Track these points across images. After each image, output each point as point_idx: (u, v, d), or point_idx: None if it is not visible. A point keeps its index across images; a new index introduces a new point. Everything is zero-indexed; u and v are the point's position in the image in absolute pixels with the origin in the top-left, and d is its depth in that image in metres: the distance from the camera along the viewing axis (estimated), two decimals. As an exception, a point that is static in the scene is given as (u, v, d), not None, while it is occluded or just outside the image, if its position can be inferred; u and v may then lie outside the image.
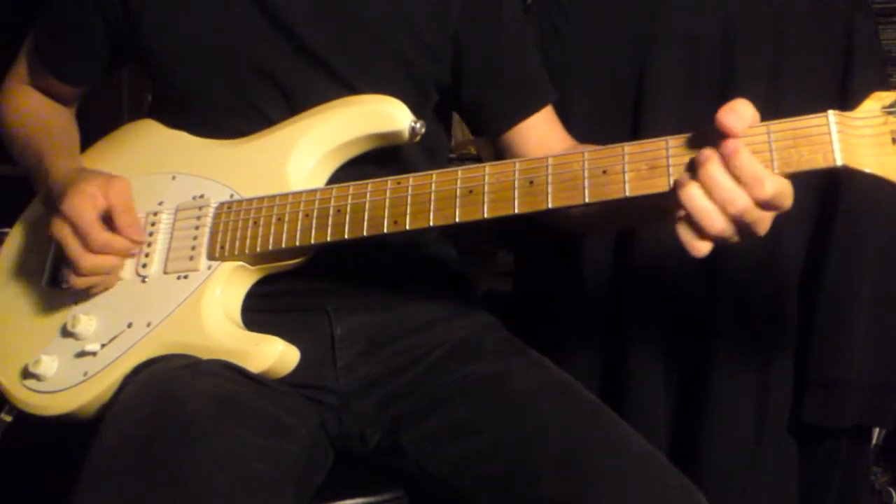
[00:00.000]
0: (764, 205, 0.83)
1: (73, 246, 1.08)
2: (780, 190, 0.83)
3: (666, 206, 0.92)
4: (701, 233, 0.85)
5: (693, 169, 0.85)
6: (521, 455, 0.99)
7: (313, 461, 1.08)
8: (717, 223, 0.84)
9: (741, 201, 0.83)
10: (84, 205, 1.08)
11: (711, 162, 0.83)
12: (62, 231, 1.09)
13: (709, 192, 0.84)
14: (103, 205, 1.10)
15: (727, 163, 0.83)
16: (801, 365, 1.52)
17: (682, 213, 0.86)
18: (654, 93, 1.53)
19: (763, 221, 0.85)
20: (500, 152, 1.26)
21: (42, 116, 1.31)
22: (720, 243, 0.86)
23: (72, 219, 1.08)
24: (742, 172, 0.82)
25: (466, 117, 1.28)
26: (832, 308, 1.48)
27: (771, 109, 1.35)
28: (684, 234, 0.86)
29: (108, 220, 1.11)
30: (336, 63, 1.15)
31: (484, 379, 1.10)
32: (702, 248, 0.86)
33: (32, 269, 1.23)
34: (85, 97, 1.38)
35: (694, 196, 0.84)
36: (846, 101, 1.44)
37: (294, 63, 1.15)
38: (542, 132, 1.23)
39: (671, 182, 0.88)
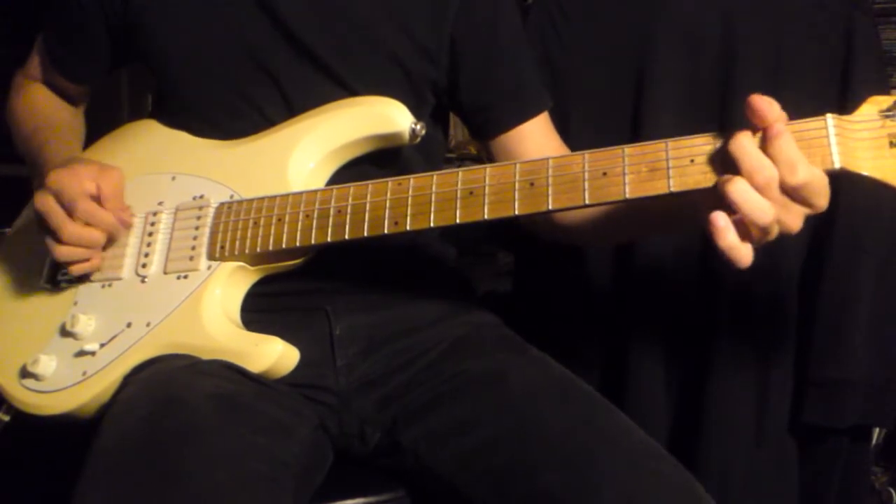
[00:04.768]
0: (793, 193, 0.84)
1: (55, 213, 1.08)
2: (811, 179, 0.83)
3: (681, 211, 0.92)
4: (746, 231, 0.85)
5: (725, 160, 0.86)
6: (520, 449, 0.99)
7: (313, 461, 1.08)
8: (766, 214, 0.83)
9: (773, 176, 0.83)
10: (71, 179, 1.09)
11: (746, 137, 0.84)
12: (45, 202, 1.08)
13: (750, 178, 0.83)
14: (92, 190, 1.10)
15: (769, 144, 0.83)
16: (801, 365, 1.52)
17: (719, 222, 0.85)
18: (654, 92, 1.53)
19: (793, 214, 0.85)
20: (493, 157, 1.26)
21: (48, 112, 1.32)
22: (759, 243, 0.86)
23: (56, 189, 1.08)
24: (781, 155, 0.83)
25: (466, 121, 1.28)
26: (832, 308, 1.48)
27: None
28: (727, 239, 0.85)
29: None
30: (335, 65, 1.15)
31: (483, 375, 1.10)
32: (746, 254, 0.86)
33: (31, 268, 1.23)
34: (85, 96, 1.39)
35: (743, 189, 0.83)
36: (846, 100, 1.44)
37: (293, 64, 1.15)
38: (537, 139, 1.23)
39: (670, 184, 0.89)
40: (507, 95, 1.23)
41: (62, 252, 1.11)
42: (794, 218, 0.86)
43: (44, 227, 1.11)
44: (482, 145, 1.27)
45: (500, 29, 1.21)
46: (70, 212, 1.08)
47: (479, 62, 1.20)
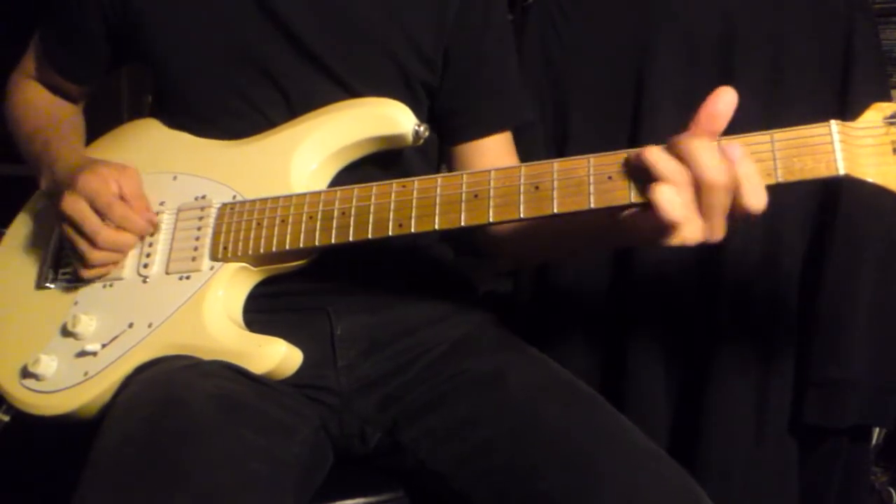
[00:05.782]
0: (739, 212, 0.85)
1: (90, 219, 1.09)
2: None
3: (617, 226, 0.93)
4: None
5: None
6: (519, 450, 0.99)
7: (314, 461, 1.08)
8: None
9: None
10: (101, 183, 1.09)
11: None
12: (78, 207, 1.09)
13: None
14: (116, 190, 1.10)
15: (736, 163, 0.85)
16: (801, 365, 1.52)
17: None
18: (653, 92, 1.53)
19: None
20: (449, 165, 1.26)
21: (49, 109, 1.32)
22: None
23: (89, 194, 1.08)
24: (748, 177, 0.84)
25: (437, 124, 1.26)
26: (832, 308, 1.48)
27: (771, 109, 1.36)
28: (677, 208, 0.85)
29: None
30: (335, 65, 1.15)
31: (483, 375, 1.10)
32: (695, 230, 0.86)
33: (31, 267, 1.23)
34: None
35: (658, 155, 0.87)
36: (846, 101, 1.44)
37: (294, 65, 1.15)
38: (494, 154, 1.23)
39: None
40: (479, 105, 1.23)
41: (97, 257, 1.11)
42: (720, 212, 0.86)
43: (76, 232, 1.11)
44: (442, 150, 1.27)
45: (486, 37, 1.21)
46: (104, 216, 1.09)
47: (463, 68, 1.20)
